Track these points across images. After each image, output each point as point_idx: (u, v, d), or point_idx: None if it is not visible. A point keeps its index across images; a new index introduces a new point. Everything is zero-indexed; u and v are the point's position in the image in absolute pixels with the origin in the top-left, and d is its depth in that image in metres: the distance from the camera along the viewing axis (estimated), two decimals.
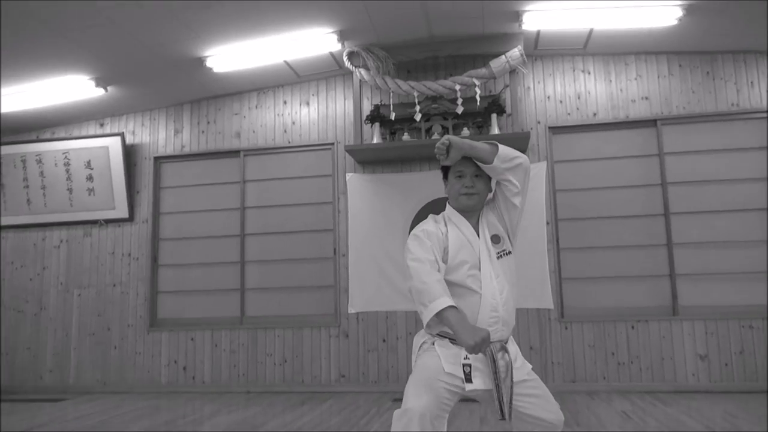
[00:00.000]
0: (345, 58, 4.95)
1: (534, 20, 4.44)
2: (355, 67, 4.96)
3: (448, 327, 1.84)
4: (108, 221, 5.78)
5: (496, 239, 2.13)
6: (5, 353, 5.85)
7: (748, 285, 4.71)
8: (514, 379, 1.96)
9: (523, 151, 4.99)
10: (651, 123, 5.01)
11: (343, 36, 4.67)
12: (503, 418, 1.94)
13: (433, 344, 2.02)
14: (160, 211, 5.77)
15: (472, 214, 2.16)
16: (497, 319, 2.00)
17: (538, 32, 4.73)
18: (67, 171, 5.74)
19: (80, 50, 4.48)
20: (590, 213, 5.01)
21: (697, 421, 3.66)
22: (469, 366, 1.96)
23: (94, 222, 5.80)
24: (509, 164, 2.06)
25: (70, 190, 5.76)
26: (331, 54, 4.99)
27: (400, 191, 5.20)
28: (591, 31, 4.68)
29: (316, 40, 4.66)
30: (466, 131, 4.89)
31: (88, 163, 5.70)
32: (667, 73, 5.03)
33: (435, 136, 4.95)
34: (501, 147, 2.05)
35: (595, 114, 5.08)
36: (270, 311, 5.43)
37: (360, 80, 5.02)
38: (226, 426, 4.04)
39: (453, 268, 2.05)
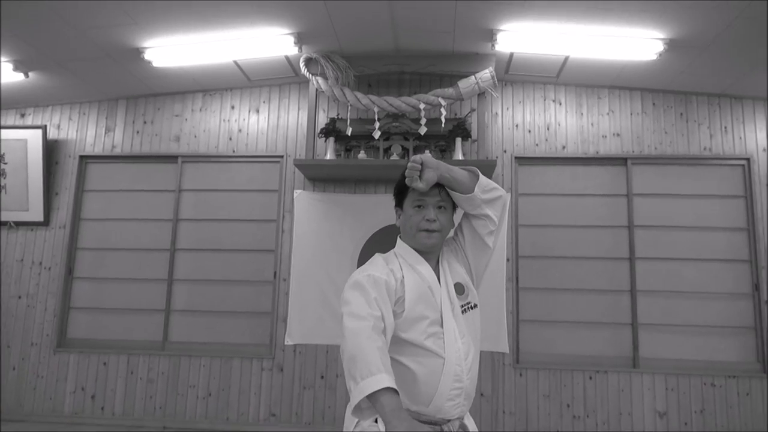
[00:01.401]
0: (302, 64, 4.51)
1: (508, 41, 4.12)
2: (312, 74, 4.53)
3: (380, 414, 1.40)
4: (19, 224, 5.09)
5: (460, 289, 1.77)
6: None
7: (711, 339, 4.46)
8: None
9: None
10: (621, 161, 4.75)
11: (300, 39, 4.23)
12: None
13: (376, 421, 1.55)
14: (80, 217, 5.13)
15: (430, 255, 1.80)
16: (460, 392, 1.65)
17: (512, 55, 4.42)
18: None
19: None
20: (553, 252, 4.69)
21: None
22: None
23: (3, 224, 5.10)
24: (489, 195, 1.74)
25: None
26: (287, 58, 4.54)
27: (352, 213, 4.75)
28: (566, 59, 4.40)
29: (270, 41, 4.20)
30: (428, 154, 4.50)
31: (2, 156, 5.03)
32: (641, 111, 4.80)
33: (393, 157, 4.55)
34: (481, 175, 1.75)
35: (564, 147, 4.79)
36: (197, 337, 4.85)
37: (316, 90, 4.59)
38: None
39: (409, 324, 1.65)
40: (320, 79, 4.51)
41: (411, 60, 4.53)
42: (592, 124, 4.81)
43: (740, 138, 4.69)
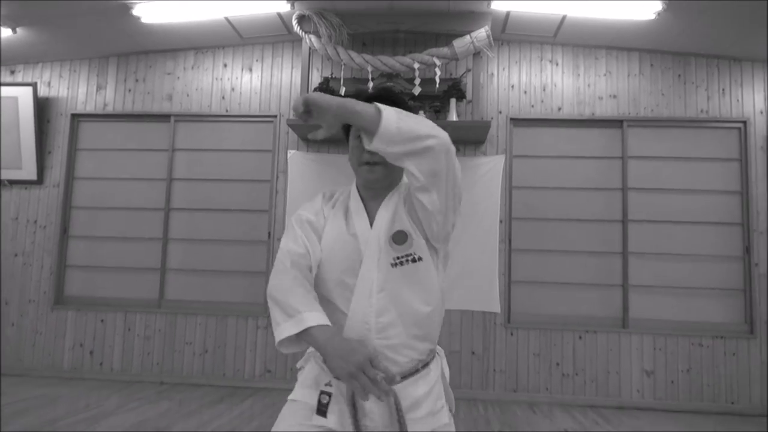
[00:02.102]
0: (294, 22, 4.43)
1: (503, 2, 4.04)
2: (305, 32, 4.45)
3: (315, 347, 1.35)
4: (12, 182, 5.08)
5: (400, 238, 1.47)
6: None
7: (700, 301, 4.51)
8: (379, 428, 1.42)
9: (482, 142, 4.66)
10: (617, 123, 4.72)
11: None
12: None
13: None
14: (74, 176, 5.12)
15: (376, 193, 1.55)
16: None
17: (508, 14, 4.34)
18: None
19: None
20: (546, 214, 4.70)
21: None
22: (329, 395, 1.45)
23: None
24: (405, 148, 1.33)
25: None
26: (279, 15, 4.46)
27: (345, 174, 4.70)
28: (564, 18, 4.32)
29: None
30: (422, 114, 4.47)
31: None
32: (638, 72, 4.74)
33: None
34: (389, 116, 1.30)
35: (560, 108, 4.75)
36: (192, 295, 4.90)
37: (310, 48, 4.52)
38: (125, 427, 3.54)
39: (319, 273, 1.51)
40: (313, 38, 4.43)
41: (405, 18, 4.44)
42: (588, 86, 4.76)
43: (737, 100, 4.64)
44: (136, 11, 4.20)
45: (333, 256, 1.49)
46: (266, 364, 4.72)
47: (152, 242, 4.97)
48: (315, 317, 1.34)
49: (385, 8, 4.44)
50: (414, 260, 1.46)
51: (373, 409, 1.43)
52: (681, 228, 4.59)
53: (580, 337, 4.52)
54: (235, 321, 4.79)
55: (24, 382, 4.64)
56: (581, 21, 4.34)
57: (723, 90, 4.66)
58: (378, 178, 1.52)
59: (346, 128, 1.55)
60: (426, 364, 1.49)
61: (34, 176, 5.03)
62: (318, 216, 1.54)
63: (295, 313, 1.35)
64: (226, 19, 4.46)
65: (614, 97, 4.73)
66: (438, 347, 1.59)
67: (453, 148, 1.38)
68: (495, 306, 4.56)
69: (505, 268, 4.63)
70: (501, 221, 4.63)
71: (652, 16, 4.06)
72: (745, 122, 4.61)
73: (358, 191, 1.58)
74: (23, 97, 4.96)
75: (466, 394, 4.50)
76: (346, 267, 1.47)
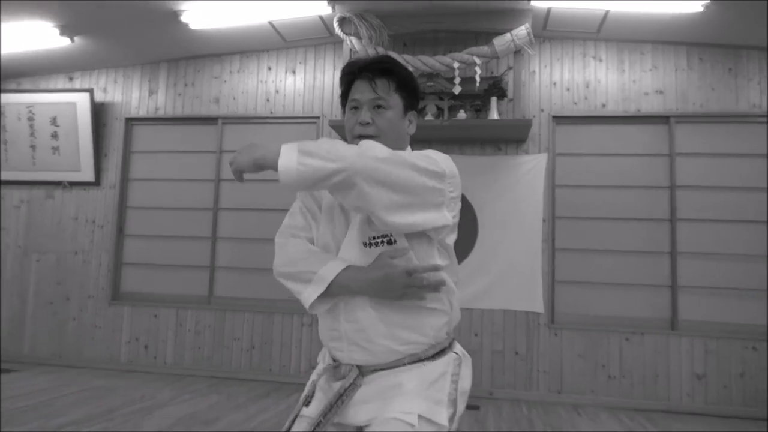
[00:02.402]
0: (335, 24, 4.50)
1: None
2: (346, 35, 4.52)
3: (348, 294, 1.34)
4: (72, 184, 5.37)
5: None
6: None
7: (754, 303, 4.35)
8: (354, 419, 1.36)
9: (523, 141, 4.64)
10: (664, 119, 4.60)
11: None
12: None
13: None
14: (129, 177, 5.36)
15: None
16: (339, 335, 1.40)
17: (549, 10, 4.29)
18: (31, 126, 5.30)
19: None
20: (590, 213, 4.63)
21: None
22: (314, 385, 1.46)
23: (58, 183, 5.39)
24: (319, 187, 1.25)
25: (33, 147, 5.33)
26: (321, 18, 4.55)
27: None
28: (607, 13, 4.24)
29: (304, 2, 4.21)
30: (462, 114, 4.48)
31: (54, 119, 5.26)
32: (686, 67, 4.61)
33: (428, 117, 4.53)
34: (286, 161, 1.22)
35: (604, 105, 4.66)
36: (240, 293, 5.06)
37: (351, 50, 4.58)
38: (177, 418, 3.70)
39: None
40: (354, 39, 4.50)
41: (445, 18, 4.45)
42: (633, 81, 4.65)
43: None
44: (184, 18, 4.36)
45: (324, 235, 1.43)
46: (311, 361, 4.83)
47: (202, 241, 5.15)
48: (331, 268, 1.33)
49: (425, 8, 4.46)
50: (390, 242, 1.35)
51: (321, 386, 1.45)
52: (733, 226, 4.44)
53: (627, 339, 4.44)
54: (281, 318, 4.92)
55: (84, 374, 4.89)
56: (625, 15, 4.25)
57: None
58: None
59: (344, 100, 1.51)
60: (419, 360, 1.38)
61: (92, 178, 5.30)
62: (312, 202, 1.50)
63: (311, 275, 1.34)
64: (270, 23, 4.58)
65: (661, 92, 4.61)
66: (461, 351, 1.48)
67: (370, 163, 1.21)
68: (538, 306, 4.53)
69: (549, 268, 4.58)
70: (544, 220, 4.59)
71: (700, 9, 3.94)
72: None
73: None
74: (81, 102, 5.22)
75: (509, 394, 4.49)
76: (333, 234, 1.42)
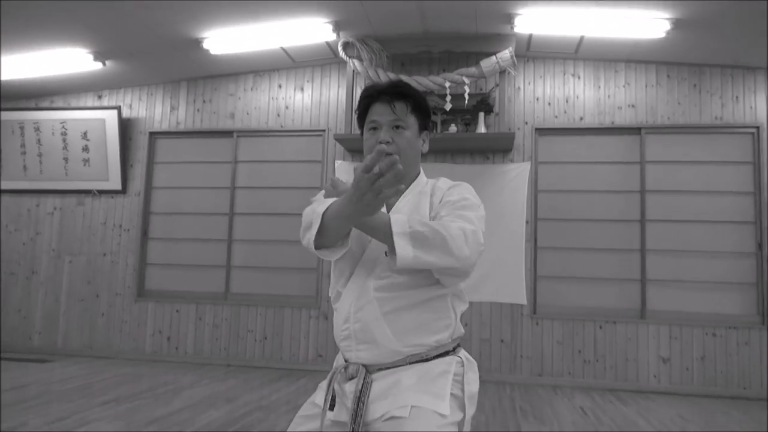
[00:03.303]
0: (339, 48, 5.04)
1: (525, 24, 4.52)
2: (350, 57, 5.05)
3: (340, 219, 1.33)
4: (101, 192, 5.92)
5: None
6: None
7: (714, 294, 4.87)
8: (373, 416, 1.41)
9: (509, 151, 5.16)
10: (635, 131, 5.12)
11: (338, 26, 4.75)
12: None
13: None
14: (152, 185, 5.91)
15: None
16: (348, 333, 1.49)
17: (531, 35, 4.82)
18: (64, 140, 5.85)
19: (79, 25, 4.57)
20: (569, 215, 5.15)
21: (648, 422, 3.85)
22: (333, 390, 1.51)
23: (88, 192, 5.94)
24: (427, 267, 1.38)
25: (66, 159, 5.88)
26: (327, 43, 5.08)
27: None
28: (582, 37, 4.77)
29: (311, 30, 4.74)
30: (453, 128, 5.00)
31: (85, 134, 5.81)
32: (655, 83, 5.13)
33: None
34: (403, 253, 1.32)
35: (581, 118, 5.19)
36: (253, 289, 5.60)
37: (353, 71, 5.12)
38: (203, 397, 4.22)
39: (337, 271, 1.57)
40: (356, 62, 5.03)
41: (438, 41, 4.98)
42: (608, 96, 5.18)
43: (751, 107, 4.97)
44: (206, 44, 4.90)
45: (354, 244, 1.50)
46: (318, 350, 5.36)
47: (219, 243, 5.69)
48: (325, 203, 1.37)
49: (420, 33, 4.99)
50: None
51: (349, 395, 1.46)
52: (696, 227, 4.95)
53: (601, 327, 4.96)
54: (290, 312, 5.45)
55: (113, 363, 5.43)
56: (598, 39, 4.77)
57: (737, 97, 4.99)
58: None
59: (361, 120, 1.60)
60: (421, 360, 1.46)
61: (119, 186, 5.84)
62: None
63: (315, 218, 1.37)
64: (281, 48, 5.12)
65: (633, 106, 5.13)
66: (465, 356, 1.55)
67: (475, 259, 1.37)
68: (522, 299, 5.04)
69: (532, 265, 5.10)
70: (527, 222, 5.11)
71: (662, 35, 4.46)
72: (758, 128, 4.93)
73: None
74: (109, 118, 5.77)
75: (495, 377, 5.01)
76: (359, 242, 1.50)
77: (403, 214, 1.45)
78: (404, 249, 1.31)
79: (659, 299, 4.94)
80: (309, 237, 1.40)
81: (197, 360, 5.54)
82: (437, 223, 1.37)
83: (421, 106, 1.58)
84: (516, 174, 5.16)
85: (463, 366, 1.51)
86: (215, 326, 5.58)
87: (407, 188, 1.57)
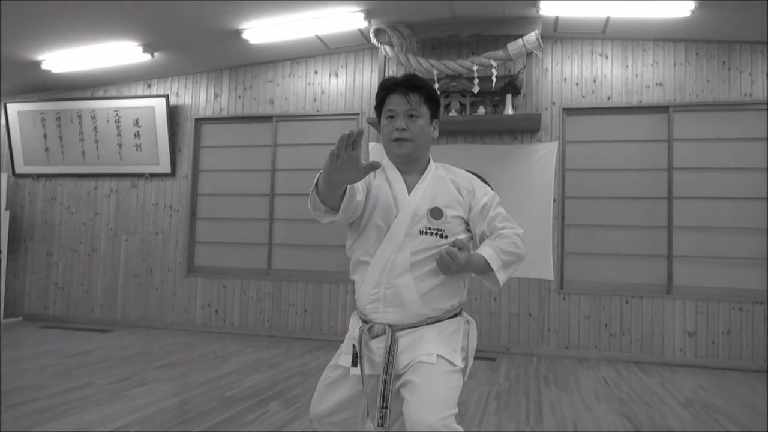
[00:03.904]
0: (372, 35, 5.25)
1: (551, 6, 4.64)
2: (381, 43, 5.26)
3: (330, 184, 1.53)
4: (152, 175, 6.35)
5: (436, 213, 1.72)
6: (61, 287, 6.59)
7: (741, 269, 4.93)
8: (398, 366, 1.66)
9: (537, 131, 5.31)
10: (663, 109, 5.18)
11: (369, 14, 4.96)
12: (380, 424, 1.62)
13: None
14: (199, 169, 6.30)
15: (409, 167, 1.80)
16: (377, 297, 1.70)
17: (557, 17, 4.92)
18: (118, 127, 6.29)
19: (130, 20, 4.92)
20: (597, 193, 5.27)
21: (667, 391, 4.01)
22: (356, 348, 1.72)
23: (140, 175, 6.38)
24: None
25: (120, 145, 6.33)
26: (359, 30, 5.31)
27: None
28: (608, 18, 4.84)
29: (344, 18, 4.97)
30: (482, 109, 5.17)
31: (136, 121, 6.23)
32: (684, 61, 5.16)
33: (452, 113, 5.25)
34: (502, 277, 1.71)
35: (609, 98, 5.27)
36: (294, 265, 5.95)
37: (385, 56, 5.33)
38: (248, 363, 4.60)
39: (364, 231, 1.76)
40: (387, 47, 5.24)
41: (466, 25, 5.14)
42: (636, 75, 5.24)
43: None
44: (245, 35, 5.20)
45: (376, 206, 1.74)
46: None
47: (261, 222, 6.06)
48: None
49: (449, 17, 5.15)
50: (441, 236, 1.70)
51: (375, 351, 1.70)
52: (724, 203, 5.00)
53: (627, 302, 5.10)
54: (328, 286, 5.77)
55: (167, 333, 5.89)
56: (626, 19, 4.83)
57: (767, 74, 4.98)
58: (405, 153, 1.74)
59: (378, 110, 1.81)
60: (438, 320, 1.71)
61: (168, 170, 6.25)
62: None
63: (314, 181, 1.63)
64: (316, 36, 5.37)
65: (661, 85, 5.18)
66: (469, 318, 1.82)
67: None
68: (549, 274, 5.22)
69: (559, 241, 5.27)
70: (555, 200, 5.26)
71: (688, 13, 4.50)
72: None
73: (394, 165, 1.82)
74: (158, 106, 6.16)
75: (523, 349, 5.23)
76: (383, 217, 1.72)
77: (425, 195, 1.74)
78: (502, 277, 1.69)
79: (686, 275, 5.04)
80: (310, 198, 1.65)
81: (243, 331, 5.95)
82: (509, 243, 1.72)
83: (432, 98, 1.78)
84: (544, 153, 5.31)
85: (468, 324, 1.79)
86: (259, 300, 5.96)
87: (422, 172, 1.80)
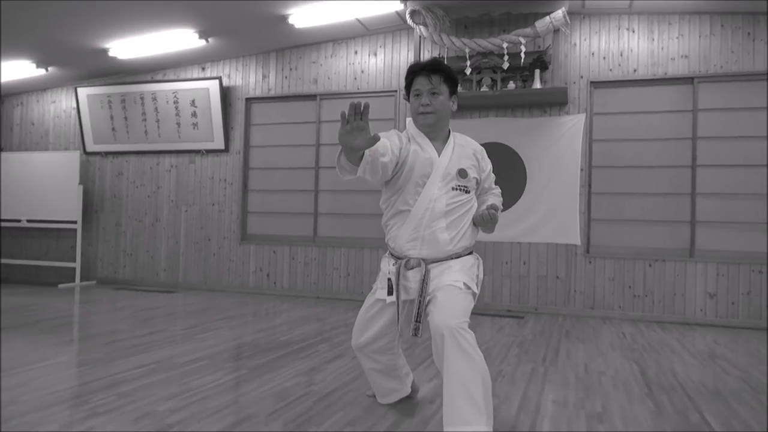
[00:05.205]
0: (407, 16, 5.61)
1: None
2: (416, 24, 5.62)
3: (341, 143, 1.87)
4: (208, 151, 6.93)
5: (462, 173, 2.20)
6: (129, 254, 7.29)
7: (761, 234, 5.15)
8: (430, 289, 2.11)
9: (565, 104, 5.61)
10: (688, 80, 5.39)
11: None
12: (414, 334, 2.08)
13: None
14: (250, 145, 6.84)
15: (434, 134, 2.22)
16: (416, 237, 2.16)
17: None
18: (176, 108, 6.87)
19: (187, 9, 5.44)
20: (623, 162, 5.54)
21: (681, 345, 4.33)
22: (390, 279, 2.20)
23: (197, 152, 6.97)
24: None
25: (178, 124, 6.91)
26: (396, 12, 5.68)
27: None
28: None
29: (382, 1, 5.34)
30: (512, 84, 5.49)
31: (193, 101, 6.79)
32: (709, 33, 5.34)
33: (484, 88, 5.59)
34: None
35: (635, 70, 5.51)
36: (337, 233, 6.45)
37: (420, 36, 5.69)
38: (297, 317, 5.14)
39: (404, 186, 2.17)
40: (422, 27, 5.60)
41: (496, 5, 5.44)
42: (662, 48, 5.45)
43: None
44: (291, 20, 5.65)
45: (414, 166, 2.16)
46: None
47: (307, 193, 6.57)
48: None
49: None
50: (466, 191, 2.22)
51: (411, 279, 2.18)
52: (745, 171, 5.21)
53: (650, 265, 5.39)
54: (369, 252, 6.25)
55: (223, 295, 6.50)
56: None
57: None
58: (430, 123, 2.18)
59: (407, 90, 2.25)
60: (459, 256, 2.21)
61: (222, 146, 6.81)
62: (401, 137, 2.22)
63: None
64: (356, 18, 5.77)
65: (686, 57, 5.38)
66: (477, 256, 2.32)
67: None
68: (576, 239, 5.55)
69: (586, 208, 5.58)
70: (582, 169, 5.56)
71: None
72: None
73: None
74: (212, 87, 6.70)
75: (551, 309, 5.60)
76: (421, 175, 2.16)
77: (452, 157, 2.22)
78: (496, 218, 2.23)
79: (708, 239, 5.29)
80: (337, 158, 1.99)
81: (291, 293, 6.51)
82: (499, 197, 2.43)
83: (450, 78, 2.23)
84: (572, 125, 5.60)
85: (478, 260, 2.33)
86: (306, 264, 6.50)
87: (445, 140, 2.26)
